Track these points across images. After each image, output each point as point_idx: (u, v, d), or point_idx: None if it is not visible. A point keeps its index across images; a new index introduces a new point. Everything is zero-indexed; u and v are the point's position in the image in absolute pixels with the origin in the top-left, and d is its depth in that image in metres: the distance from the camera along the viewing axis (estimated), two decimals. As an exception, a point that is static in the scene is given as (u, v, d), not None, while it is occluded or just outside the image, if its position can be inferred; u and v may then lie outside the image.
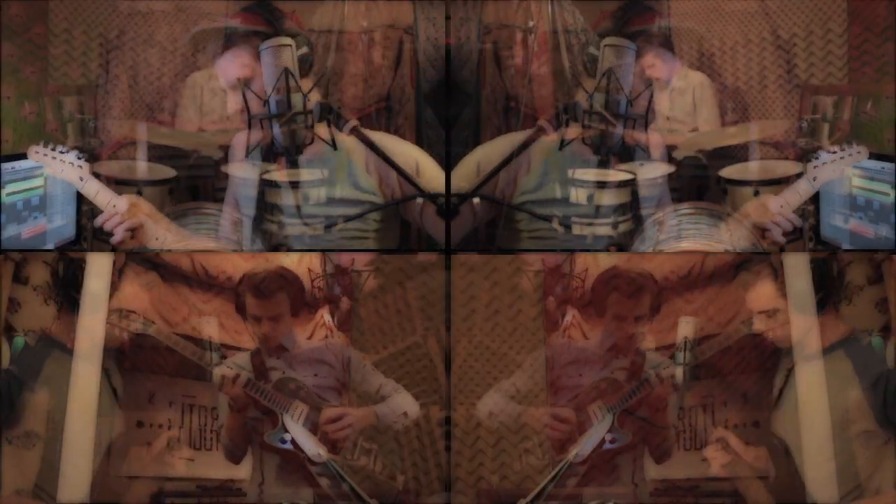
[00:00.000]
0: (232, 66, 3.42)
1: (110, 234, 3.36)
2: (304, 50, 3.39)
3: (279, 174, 3.42)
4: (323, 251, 3.45)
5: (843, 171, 3.40)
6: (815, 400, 3.26)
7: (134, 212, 3.34)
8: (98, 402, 3.24)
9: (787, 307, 3.33)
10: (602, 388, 3.31)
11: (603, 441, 3.26)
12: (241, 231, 3.44)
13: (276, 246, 3.43)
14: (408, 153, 3.47)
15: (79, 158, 3.36)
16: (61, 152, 3.35)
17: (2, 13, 3.51)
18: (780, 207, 3.37)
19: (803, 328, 3.32)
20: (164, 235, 3.36)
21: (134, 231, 3.34)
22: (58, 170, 3.36)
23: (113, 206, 3.33)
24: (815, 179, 3.39)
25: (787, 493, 3.29)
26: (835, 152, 3.39)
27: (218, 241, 3.41)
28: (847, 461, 3.25)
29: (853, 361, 3.31)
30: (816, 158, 3.40)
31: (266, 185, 3.43)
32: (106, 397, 3.28)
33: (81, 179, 3.35)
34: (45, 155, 3.35)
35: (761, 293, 3.38)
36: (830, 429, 3.24)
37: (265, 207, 3.44)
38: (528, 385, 3.38)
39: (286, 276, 3.37)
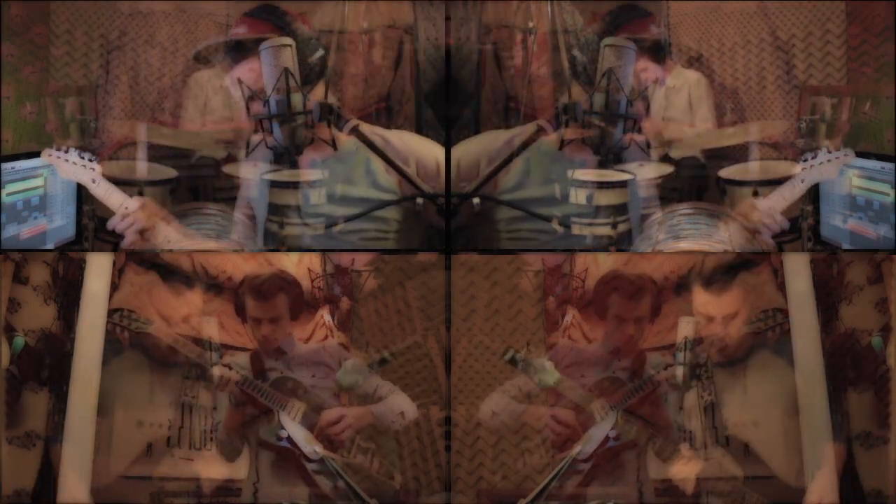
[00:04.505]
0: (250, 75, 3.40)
1: (121, 236, 3.36)
2: (320, 53, 3.39)
3: (280, 174, 3.42)
4: (323, 251, 3.45)
5: (831, 172, 3.41)
6: (815, 400, 3.26)
7: (146, 213, 3.35)
8: (98, 402, 3.24)
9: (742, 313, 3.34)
10: (604, 387, 3.32)
11: (607, 439, 3.26)
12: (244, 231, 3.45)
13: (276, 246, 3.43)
14: (429, 151, 3.47)
15: (91, 160, 3.38)
16: (75, 154, 3.39)
17: (3, 13, 3.52)
18: (769, 210, 3.39)
19: (803, 329, 3.31)
20: (174, 237, 3.36)
21: (144, 232, 3.35)
22: (70, 172, 3.38)
23: (125, 208, 3.34)
24: (802, 182, 3.41)
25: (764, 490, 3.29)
26: (821, 154, 3.41)
27: (219, 241, 3.41)
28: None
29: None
30: (804, 161, 3.42)
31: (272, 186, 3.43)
32: (106, 397, 3.27)
33: (94, 181, 3.37)
34: (59, 157, 3.38)
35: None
36: (830, 427, 3.24)
37: (270, 208, 3.44)
38: (529, 385, 3.37)
39: (286, 278, 3.39)
